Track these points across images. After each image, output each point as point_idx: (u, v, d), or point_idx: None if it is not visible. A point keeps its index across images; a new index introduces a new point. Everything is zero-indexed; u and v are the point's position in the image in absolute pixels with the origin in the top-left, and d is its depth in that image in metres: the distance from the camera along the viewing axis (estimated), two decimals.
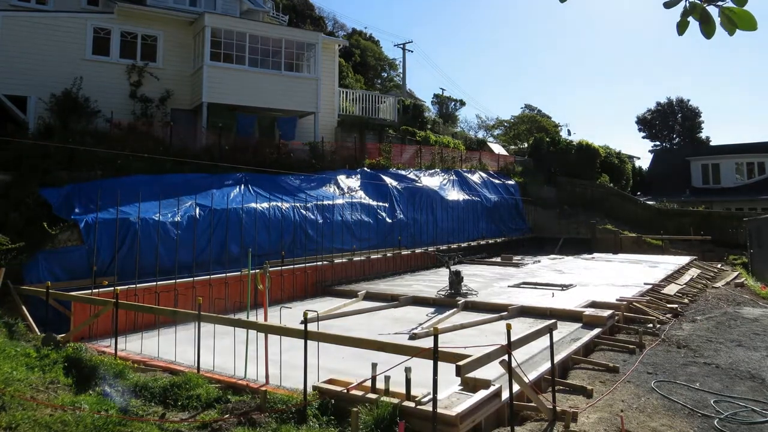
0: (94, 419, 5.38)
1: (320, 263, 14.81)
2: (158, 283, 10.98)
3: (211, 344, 7.84)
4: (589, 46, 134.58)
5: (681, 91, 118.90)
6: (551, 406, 6.06)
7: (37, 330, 9.18)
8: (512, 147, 39.03)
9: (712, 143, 49.32)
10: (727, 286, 16.18)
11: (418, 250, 18.94)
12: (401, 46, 43.22)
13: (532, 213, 27.30)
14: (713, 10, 2.59)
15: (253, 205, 14.39)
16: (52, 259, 10.92)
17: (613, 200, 28.58)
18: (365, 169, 20.03)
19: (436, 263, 18.14)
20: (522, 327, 9.33)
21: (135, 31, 18.25)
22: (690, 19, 2.65)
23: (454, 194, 22.47)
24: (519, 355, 6.54)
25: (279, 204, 14.99)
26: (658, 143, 54.31)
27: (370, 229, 17.69)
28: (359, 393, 5.88)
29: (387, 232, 18.39)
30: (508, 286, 14.67)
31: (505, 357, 5.60)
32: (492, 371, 6.38)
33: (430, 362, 5.24)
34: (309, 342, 6.06)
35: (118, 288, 8.55)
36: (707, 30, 2.61)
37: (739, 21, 2.51)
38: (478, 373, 5.79)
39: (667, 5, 2.68)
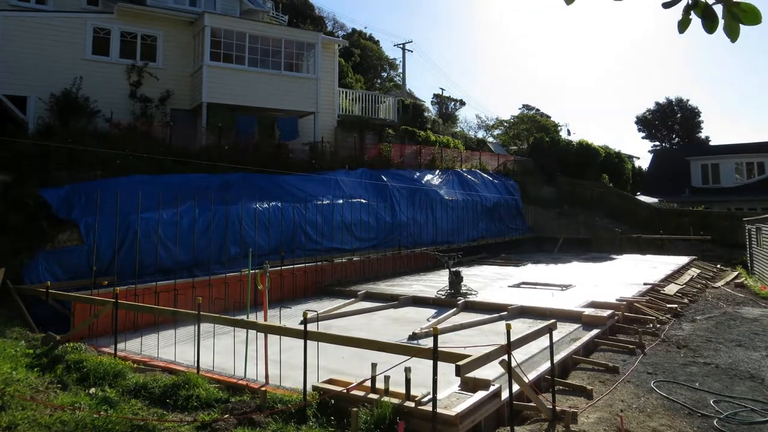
0: (94, 419, 5.38)
1: (320, 263, 14.80)
2: (158, 283, 10.99)
3: (211, 344, 7.85)
4: (589, 45, 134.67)
5: (681, 91, 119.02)
6: (551, 406, 6.06)
7: (37, 330, 9.18)
8: (512, 147, 39.02)
9: (711, 143, 49.37)
10: (726, 286, 16.18)
11: (418, 250, 18.93)
12: (401, 46, 43.28)
13: (532, 213, 27.29)
14: (717, 8, 2.54)
15: (253, 205, 14.39)
16: (52, 259, 10.92)
17: (612, 200, 28.59)
18: (365, 169, 20.02)
19: (436, 263, 18.14)
20: (522, 327, 9.33)
21: (135, 31, 18.24)
22: (692, 15, 2.60)
23: (454, 194, 22.47)
24: (519, 355, 6.55)
25: (279, 204, 14.98)
26: (657, 143, 54.34)
27: (369, 229, 17.70)
28: (359, 393, 5.88)
29: (387, 232, 18.39)
30: (508, 286, 14.67)
31: (505, 357, 5.60)
32: (492, 371, 6.39)
33: (430, 362, 5.25)
34: (309, 342, 6.06)
35: (118, 288, 8.56)
36: (710, 26, 2.56)
37: (743, 15, 2.46)
38: (478, 373, 5.79)
39: (666, 5, 2.64)
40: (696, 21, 2.62)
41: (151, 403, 6.18)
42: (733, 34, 2.52)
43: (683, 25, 2.64)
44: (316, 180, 17.50)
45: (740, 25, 2.49)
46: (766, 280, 16.62)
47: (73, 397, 6.08)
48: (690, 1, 2.59)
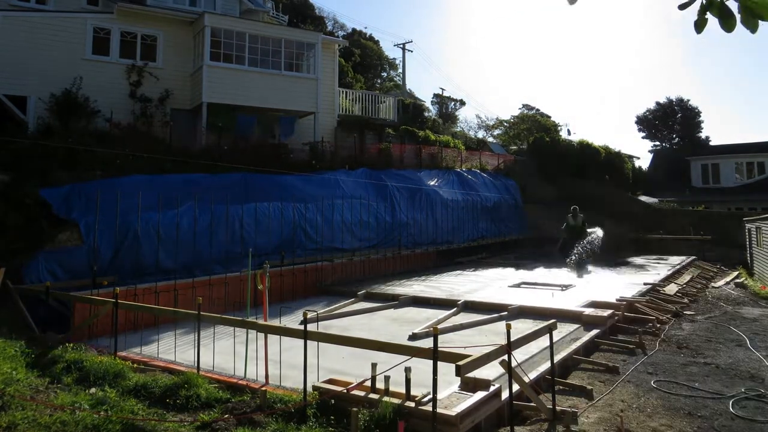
0: (94, 419, 5.37)
1: (320, 263, 14.80)
2: (158, 283, 10.98)
3: (211, 344, 7.85)
4: (590, 45, 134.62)
5: (681, 91, 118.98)
6: (551, 406, 6.06)
7: (36, 330, 9.17)
8: (512, 147, 39.00)
9: (711, 143, 49.30)
10: (726, 286, 16.18)
11: (418, 250, 18.92)
12: (401, 46, 43.32)
13: (532, 213, 27.28)
14: (732, 5, 2.50)
15: (253, 205, 14.38)
16: (52, 259, 10.92)
17: (612, 200, 28.57)
18: (365, 169, 20.00)
19: (436, 263, 18.15)
20: (522, 327, 9.32)
21: (135, 31, 18.24)
22: (708, 15, 2.57)
23: (454, 194, 22.46)
24: (519, 355, 6.55)
25: (279, 204, 14.98)
26: (657, 143, 54.20)
27: (370, 229, 17.69)
28: (359, 393, 5.88)
29: (387, 232, 18.38)
30: (508, 286, 14.66)
31: (505, 357, 5.60)
32: (492, 371, 6.39)
33: (430, 362, 5.25)
34: (309, 342, 6.06)
35: (118, 288, 8.55)
36: (727, 25, 2.51)
37: (762, 11, 2.42)
38: (478, 373, 5.79)
39: (681, 7, 2.60)
40: (713, 19, 2.59)
41: (151, 403, 6.18)
42: (752, 27, 2.48)
43: (700, 26, 2.60)
44: (316, 180, 17.48)
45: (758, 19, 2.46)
46: (766, 280, 16.61)
47: (73, 397, 6.08)
48: (705, 1, 2.55)
